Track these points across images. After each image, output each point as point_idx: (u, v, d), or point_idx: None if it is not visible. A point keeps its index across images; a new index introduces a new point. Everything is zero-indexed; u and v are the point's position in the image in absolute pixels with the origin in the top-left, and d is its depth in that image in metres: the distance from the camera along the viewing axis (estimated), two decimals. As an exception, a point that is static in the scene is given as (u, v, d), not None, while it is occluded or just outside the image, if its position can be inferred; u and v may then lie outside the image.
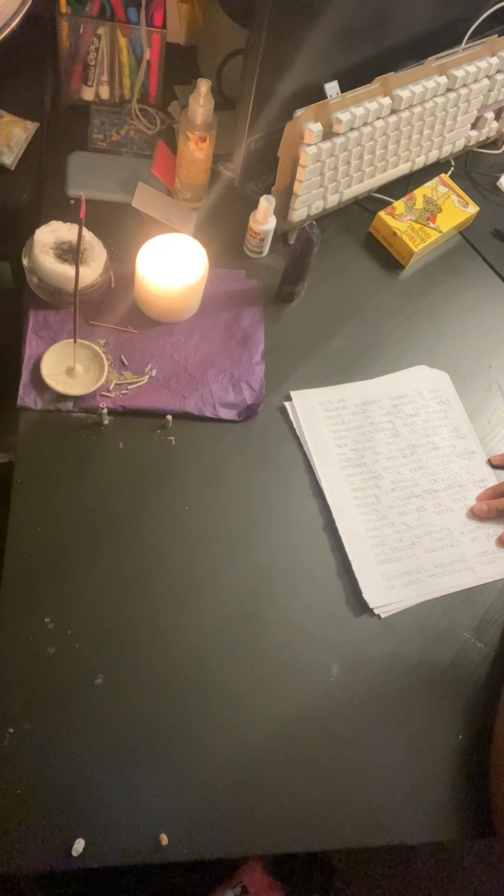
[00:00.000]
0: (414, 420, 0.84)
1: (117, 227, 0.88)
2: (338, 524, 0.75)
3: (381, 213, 0.94)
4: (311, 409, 0.82)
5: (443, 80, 0.90)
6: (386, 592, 0.73)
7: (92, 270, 0.78)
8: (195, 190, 0.90)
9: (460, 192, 0.97)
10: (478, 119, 1.01)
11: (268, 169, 0.87)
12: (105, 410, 0.75)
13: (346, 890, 0.92)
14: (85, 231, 0.78)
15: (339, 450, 0.80)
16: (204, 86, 0.79)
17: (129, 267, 0.82)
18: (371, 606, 0.72)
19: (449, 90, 0.92)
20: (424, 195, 0.96)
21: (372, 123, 0.86)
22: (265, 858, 0.90)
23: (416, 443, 0.82)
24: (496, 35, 0.93)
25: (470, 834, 0.65)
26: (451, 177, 0.99)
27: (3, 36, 0.77)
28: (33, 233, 0.78)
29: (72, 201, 0.89)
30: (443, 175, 0.99)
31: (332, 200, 0.92)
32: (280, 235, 0.93)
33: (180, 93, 0.99)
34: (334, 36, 0.79)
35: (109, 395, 0.77)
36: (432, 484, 0.80)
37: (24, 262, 0.78)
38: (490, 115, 1.01)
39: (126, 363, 0.80)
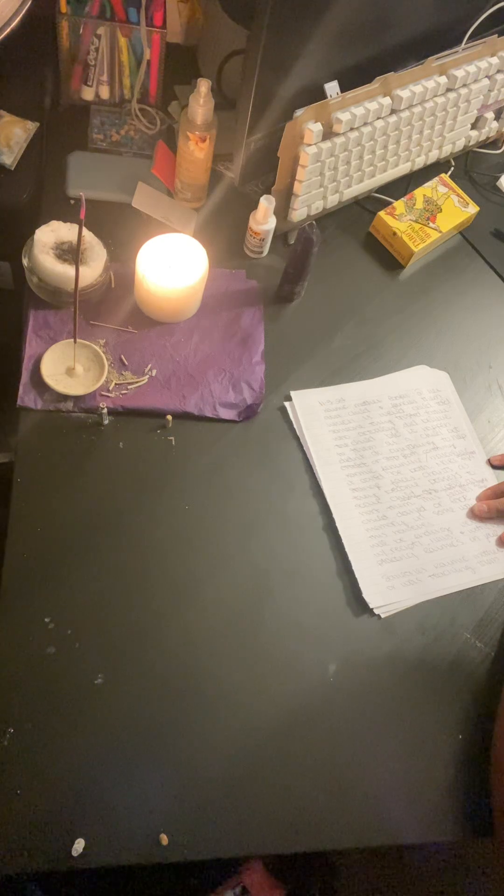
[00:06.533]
0: (414, 420, 0.84)
1: (117, 227, 0.88)
2: (338, 524, 0.75)
3: (381, 213, 0.94)
4: (311, 408, 0.82)
5: (443, 80, 0.90)
6: (386, 592, 0.73)
7: (92, 270, 0.78)
8: (195, 190, 0.90)
9: (460, 192, 0.97)
10: (478, 119, 1.01)
11: (268, 169, 0.87)
12: (105, 410, 0.75)
13: (346, 890, 0.92)
14: (85, 231, 0.78)
15: (339, 450, 0.80)
16: (204, 86, 0.80)
17: (129, 267, 0.82)
18: (371, 606, 0.72)
19: (449, 90, 0.92)
20: (424, 195, 0.96)
21: (372, 123, 0.86)
22: (265, 858, 0.90)
23: (416, 443, 0.82)
24: (496, 35, 0.93)
25: (470, 834, 0.65)
26: (451, 177, 0.99)
27: (3, 36, 0.77)
28: (33, 233, 0.78)
29: (72, 201, 0.89)
30: (443, 175, 0.99)
31: (332, 200, 0.92)
32: (280, 235, 0.93)
33: (180, 93, 0.99)
34: (334, 36, 0.79)
35: (109, 395, 0.77)
36: (432, 484, 0.80)
37: (24, 262, 0.78)
38: (490, 115, 1.01)
39: (126, 363, 0.80)
